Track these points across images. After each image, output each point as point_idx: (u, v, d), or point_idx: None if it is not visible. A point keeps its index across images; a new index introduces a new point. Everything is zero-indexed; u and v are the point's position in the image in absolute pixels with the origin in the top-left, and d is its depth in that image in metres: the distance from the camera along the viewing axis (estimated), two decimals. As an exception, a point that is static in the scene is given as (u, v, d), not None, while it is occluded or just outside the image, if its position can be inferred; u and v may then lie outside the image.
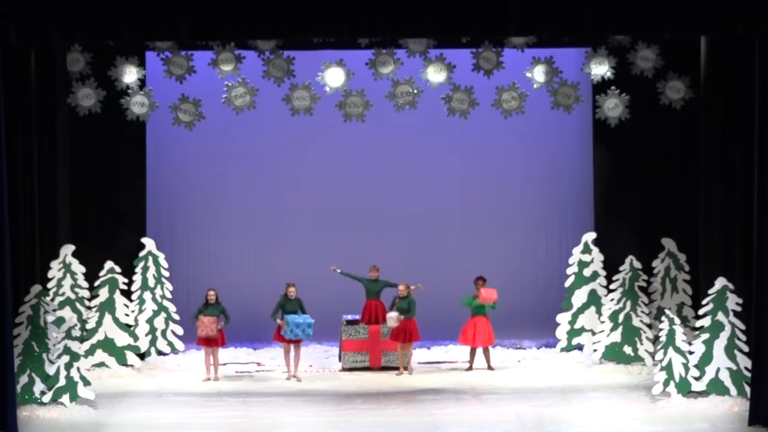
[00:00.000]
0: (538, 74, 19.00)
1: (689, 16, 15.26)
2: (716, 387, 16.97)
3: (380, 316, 19.46)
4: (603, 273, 20.18)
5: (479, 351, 19.41)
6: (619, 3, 15.27)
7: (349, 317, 19.66)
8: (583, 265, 20.27)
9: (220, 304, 18.75)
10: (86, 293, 19.63)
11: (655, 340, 18.95)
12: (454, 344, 20.68)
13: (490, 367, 19.30)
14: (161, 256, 20.43)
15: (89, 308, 19.57)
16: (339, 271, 19.74)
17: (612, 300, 19.66)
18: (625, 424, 16.05)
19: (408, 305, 18.93)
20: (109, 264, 19.62)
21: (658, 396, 17.13)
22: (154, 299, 20.27)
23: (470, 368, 19.30)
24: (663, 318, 17.39)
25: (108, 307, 19.49)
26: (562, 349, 20.34)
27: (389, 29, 15.89)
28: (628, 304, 19.49)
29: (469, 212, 21.51)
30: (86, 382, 17.08)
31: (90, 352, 19.18)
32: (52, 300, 18.75)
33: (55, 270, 19.34)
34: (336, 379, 19.03)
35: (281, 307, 18.72)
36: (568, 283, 20.37)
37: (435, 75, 18.81)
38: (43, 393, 16.95)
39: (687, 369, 17.03)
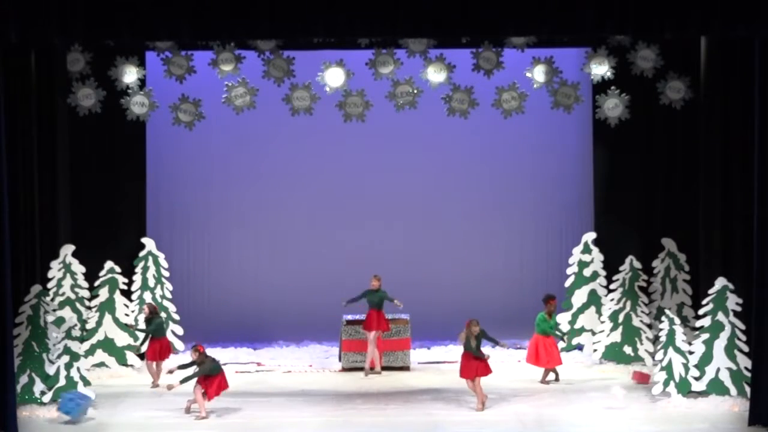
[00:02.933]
0: (538, 74, 18.99)
1: (689, 16, 15.26)
2: (716, 387, 16.96)
3: (382, 325, 19.28)
4: (603, 273, 20.19)
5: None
6: (619, 3, 15.27)
7: (349, 317, 19.63)
8: (583, 265, 20.27)
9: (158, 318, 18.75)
10: (86, 293, 19.63)
11: (655, 340, 18.95)
12: (455, 344, 20.67)
13: (556, 378, 18.72)
14: (161, 256, 20.45)
15: (89, 308, 19.58)
16: (345, 303, 19.19)
17: (612, 300, 19.67)
18: (625, 424, 16.06)
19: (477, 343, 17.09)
20: (109, 264, 19.63)
21: (658, 396, 17.13)
22: (154, 299, 20.27)
23: (544, 381, 18.62)
24: (663, 318, 17.39)
25: (108, 307, 19.50)
26: (562, 349, 20.29)
27: (389, 29, 15.89)
28: (628, 304, 19.49)
29: (469, 212, 21.51)
30: (86, 382, 17.08)
31: (90, 352, 19.19)
32: (52, 300, 18.76)
33: (55, 270, 19.34)
34: (336, 379, 19.03)
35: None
36: (568, 283, 20.38)
37: (435, 75, 18.80)
38: (43, 393, 16.95)
39: (687, 369, 17.03)
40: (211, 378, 16.70)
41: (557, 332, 18.84)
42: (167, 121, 19.36)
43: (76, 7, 15.18)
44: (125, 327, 19.57)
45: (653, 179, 20.31)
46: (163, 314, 20.27)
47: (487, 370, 17.01)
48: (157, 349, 18.61)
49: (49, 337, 17.15)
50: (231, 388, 18.18)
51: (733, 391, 16.91)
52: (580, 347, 20.29)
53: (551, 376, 18.73)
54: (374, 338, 19.16)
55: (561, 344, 19.40)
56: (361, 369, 19.38)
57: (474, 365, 16.91)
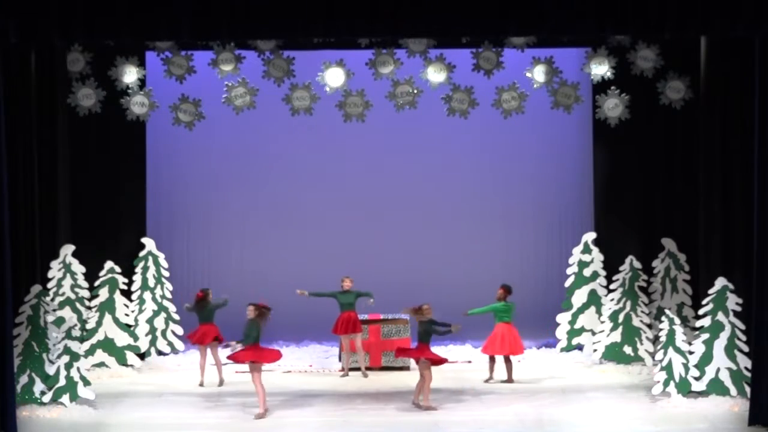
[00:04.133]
0: (538, 74, 19.00)
1: (689, 16, 15.26)
2: (716, 387, 16.96)
3: (356, 327, 19.07)
4: (603, 273, 20.20)
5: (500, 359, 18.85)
6: (619, 3, 15.27)
7: (349, 317, 19.64)
8: (583, 265, 20.28)
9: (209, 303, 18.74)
10: (86, 293, 19.63)
11: (655, 340, 18.96)
12: (454, 344, 20.70)
13: (510, 379, 18.62)
14: (161, 256, 20.45)
15: (89, 308, 19.57)
16: (307, 294, 18.95)
17: (612, 300, 19.67)
18: (625, 424, 16.05)
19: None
20: (109, 264, 19.62)
21: (658, 396, 17.13)
22: (154, 299, 20.29)
23: (490, 378, 18.73)
24: (663, 318, 17.38)
25: (108, 307, 19.50)
26: (562, 349, 20.35)
27: (389, 29, 15.88)
28: (628, 304, 19.50)
29: (468, 212, 21.52)
30: (86, 382, 17.07)
31: (90, 352, 19.19)
32: (52, 300, 18.76)
33: (55, 270, 19.34)
34: (336, 379, 19.04)
35: None
36: (568, 283, 20.38)
37: (435, 75, 18.82)
38: (43, 393, 16.95)
39: (687, 369, 17.03)
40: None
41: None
42: (167, 121, 19.38)
43: (76, 7, 15.17)
44: (126, 327, 19.57)
45: (653, 179, 20.31)
46: (163, 314, 20.36)
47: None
48: (206, 333, 18.51)
49: (49, 337, 17.14)
50: (231, 388, 18.23)
51: (733, 391, 16.90)
52: (580, 347, 20.29)
53: (501, 375, 18.65)
54: (359, 341, 19.07)
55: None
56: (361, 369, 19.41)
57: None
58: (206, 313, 18.63)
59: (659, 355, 17.27)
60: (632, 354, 19.39)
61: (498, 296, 18.80)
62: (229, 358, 16.85)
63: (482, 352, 18.97)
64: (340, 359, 19.72)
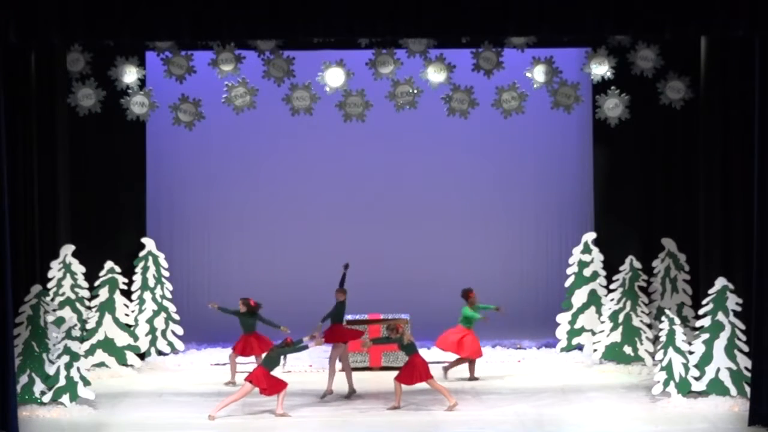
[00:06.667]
0: (538, 74, 19.00)
1: (689, 16, 15.26)
2: (716, 387, 16.96)
3: (345, 337, 18.83)
4: (603, 273, 20.19)
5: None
6: (619, 3, 15.27)
7: (349, 317, 19.60)
8: (583, 265, 20.27)
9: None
10: (86, 293, 19.63)
11: (655, 340, 18.96)
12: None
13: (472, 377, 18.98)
14: (161, 256, 20.45)
15: (89, 308, 19.57)
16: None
17: (612, 300, 19.67)
18: (625, 424, 16.06)
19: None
20: (109, 264, 19.62)
21: (658, 396, 17.13)
22: (154, 299, 20.28)
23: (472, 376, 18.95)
24: (663, 318, 17.38)
25: (108, 307, 19.49)
26: (562, 349, 20.34)
27: (389, 29, 15.88)
28: (628, 304, 19.49)
29: (468, 212, 21.50)
30: (86, 382, 17.08)
31: (90, 352, 19.18)
32: (52, 300, 18.75)
33: (55, 270, 19.34)
34: (336, 379, 19.00)
35: None
36: (568, 283, 20.38)
37: (435, 75, 18.81)
38: (43, 393, 16.95)
39: (687, 369, 17.03)
40: None
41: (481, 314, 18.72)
42: (167, 121, 19.38)
43: (76, 7, 15.16)
44: (125, 327, 19.56)
45: (653, 179, 20.31)
46: (163, 314, 20.35)
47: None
48: (252, 344, 18.49)
49: (49, 337, 17.14)
50: (230, 389, 18.21)
51: (733, 391, 16.91)
52: (580, 347, 20.29)
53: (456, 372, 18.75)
54: (340, 355, 18.40)
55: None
56: (361, 369, 19.38)
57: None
58: (252, 322, 18.52)
59: (659, 355, 17.27)
60: (632, 354, 19.39)
61: (471, 301, 18.76)
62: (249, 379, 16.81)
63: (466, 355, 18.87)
64: (340, 359, 19.62)
